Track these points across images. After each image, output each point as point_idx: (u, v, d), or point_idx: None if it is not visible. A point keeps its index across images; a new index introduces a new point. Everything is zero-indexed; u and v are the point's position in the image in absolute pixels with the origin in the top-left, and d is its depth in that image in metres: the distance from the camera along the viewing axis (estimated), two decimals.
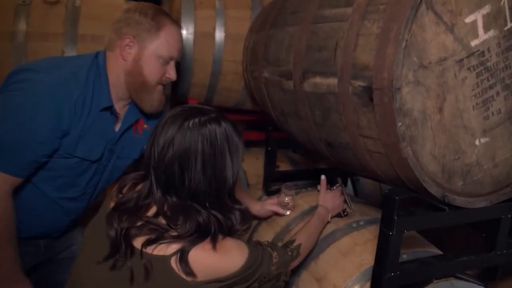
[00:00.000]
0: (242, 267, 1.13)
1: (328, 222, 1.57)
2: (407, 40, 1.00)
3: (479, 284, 1.37)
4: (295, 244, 1.35)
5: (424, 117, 1.09)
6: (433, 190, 1.14)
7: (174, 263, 1.06)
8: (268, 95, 1.66)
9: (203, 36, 1.99)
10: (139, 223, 1.11)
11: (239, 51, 1.99)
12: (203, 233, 1.10)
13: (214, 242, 1.10)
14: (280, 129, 1.77)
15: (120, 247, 1.09)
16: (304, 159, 2.45)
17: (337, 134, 1.29)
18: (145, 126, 1.66)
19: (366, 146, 1.20)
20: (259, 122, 2.20)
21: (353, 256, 1.48)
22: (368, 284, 1.37)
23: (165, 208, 1.13)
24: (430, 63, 1.06)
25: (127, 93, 1.52)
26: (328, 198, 1.58)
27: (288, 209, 1.75)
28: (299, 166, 2.36)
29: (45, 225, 1.56)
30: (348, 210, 1.66)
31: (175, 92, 2.15)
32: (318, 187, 1.95)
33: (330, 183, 1.72)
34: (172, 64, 1.52)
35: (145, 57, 1.46)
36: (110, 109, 1.49)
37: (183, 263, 1.05)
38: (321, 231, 1.53)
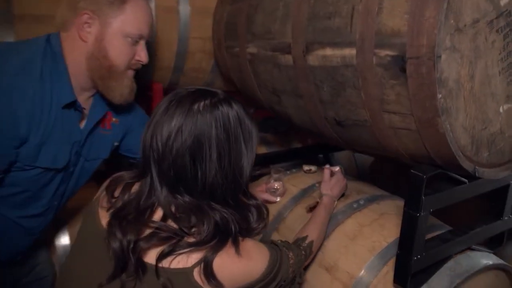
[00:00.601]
0: (265, 271, 1.00)
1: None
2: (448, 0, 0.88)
3: (490, 252, 1.36)
4: (307, 241, 1.23)
5: (458, 87, 0.99)
6: (466, 164, 1.06)
7: (198, 275, 0.90)
8: (254, 72, 1.48)
9: (166, 11, 1.74)
10: (147, 232, 0.93)
11: (208, 27, 1.78)
12: (223, 235, 0.95)
13: (236, 245, 0.95)
14: (268, 110, 1.61)
15: (127, 264, 0.90)
16: (277, 139, 2.31)
17: (351, 111, 1.16)
18: (114, 119, 1.42)
19: (391, 123, 1.08)
20: None
21: (362, 239, 1.39)
22: (384, 269, 1.29)
23: (173, 208, 0.95)
24: (465, 25, 0.95)
25: (90, 82, 1.27)
26: (333, 185, 1.45)
27: (278, 195, 1.63)
28: (275, 147, 2.22)
29: (4, 250, 1.30)
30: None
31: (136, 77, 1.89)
32: (304, 167, 1.84)
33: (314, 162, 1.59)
34: (142, 43, 1.30)
35: (109, 36, 1.22)
36: (73, 105, 1.23)
37: (209, 275, 0.90)
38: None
